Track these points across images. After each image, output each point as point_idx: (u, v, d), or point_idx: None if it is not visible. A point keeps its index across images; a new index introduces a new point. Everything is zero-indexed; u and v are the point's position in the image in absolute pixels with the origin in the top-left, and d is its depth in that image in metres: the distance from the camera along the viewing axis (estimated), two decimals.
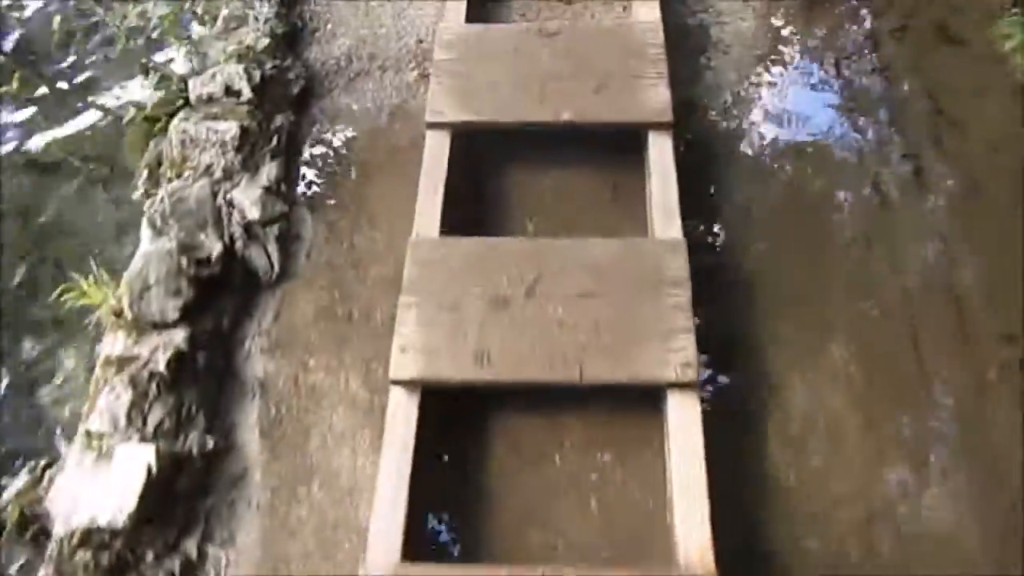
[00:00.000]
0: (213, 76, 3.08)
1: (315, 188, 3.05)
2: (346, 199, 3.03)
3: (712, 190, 2.97)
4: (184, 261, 2.60)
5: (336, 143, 3.18)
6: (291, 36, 3.47)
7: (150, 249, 2.59)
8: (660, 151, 2.82)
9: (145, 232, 2.65)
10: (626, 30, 3.17)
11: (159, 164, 2.96)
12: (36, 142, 3.64)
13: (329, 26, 3.58)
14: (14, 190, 3.52)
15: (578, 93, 2.96)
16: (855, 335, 2.63)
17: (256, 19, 3.41)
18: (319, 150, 3.15)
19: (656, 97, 2.92)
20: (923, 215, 2.90)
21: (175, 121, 2.96)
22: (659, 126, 2.88)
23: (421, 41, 3.49)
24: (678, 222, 2.64)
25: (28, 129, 3.72)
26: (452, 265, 2.57)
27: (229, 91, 3.06)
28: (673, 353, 2.35)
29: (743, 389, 2.53)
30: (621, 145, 2.98)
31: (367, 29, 3.56)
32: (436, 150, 2.86)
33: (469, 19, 3.33)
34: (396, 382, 2.37)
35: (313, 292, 2.81)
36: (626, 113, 2.91)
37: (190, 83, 3.09)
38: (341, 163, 3.12)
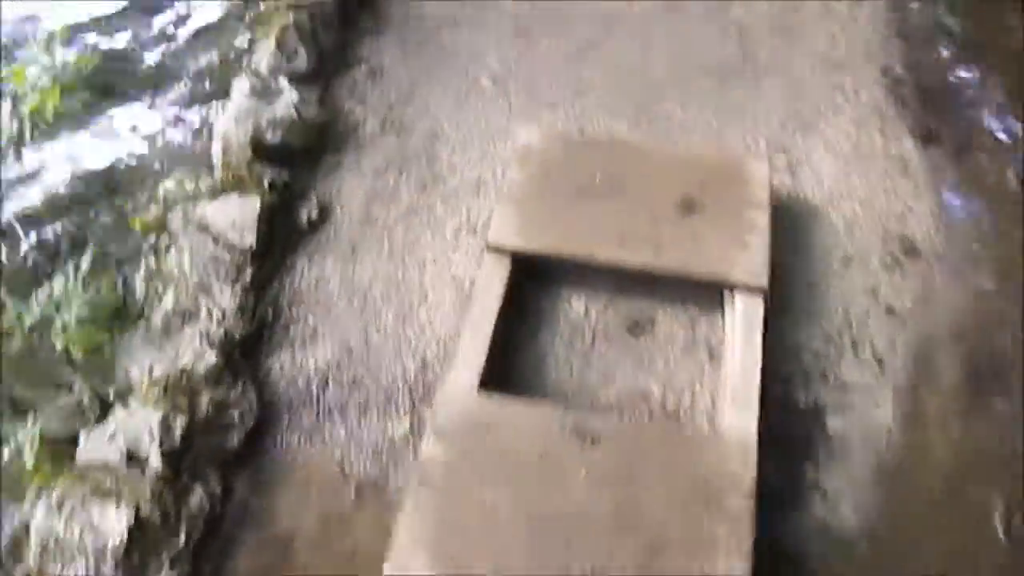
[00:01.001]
0: (112, 435, 2.20)
1: None
2: None
3: None
4: None
5: (275, 534, 2.27)
6: (254, 338, 2.57)
7: None
8: None
9: None
10: (700, 450, 2.18)
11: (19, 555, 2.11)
12: None
13: (310, 319, 2.67)
14: None
15: (619, 565, 1.99)
16: None
17: (210, 313, 2.52)
18: (248, 549, 2.24)
19: None
20: None
21: (40, 510, 2.09)
22: None
23: (425, 365, 2.57)
24: None
25: None
26: None
27: (132, 458, 2.18)
28: None
29: None
30: None
31: (359, 332, 2.64)
32: None
33: (497, 344, 2.41)
34: None
35: None
36: None
37: (80, 440, 2.22)
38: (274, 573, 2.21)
